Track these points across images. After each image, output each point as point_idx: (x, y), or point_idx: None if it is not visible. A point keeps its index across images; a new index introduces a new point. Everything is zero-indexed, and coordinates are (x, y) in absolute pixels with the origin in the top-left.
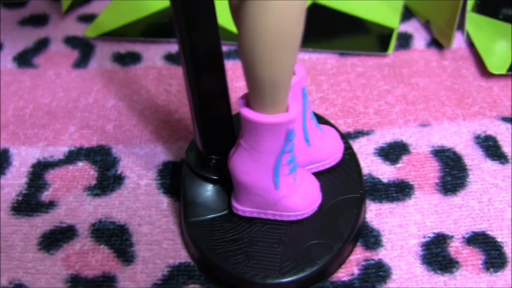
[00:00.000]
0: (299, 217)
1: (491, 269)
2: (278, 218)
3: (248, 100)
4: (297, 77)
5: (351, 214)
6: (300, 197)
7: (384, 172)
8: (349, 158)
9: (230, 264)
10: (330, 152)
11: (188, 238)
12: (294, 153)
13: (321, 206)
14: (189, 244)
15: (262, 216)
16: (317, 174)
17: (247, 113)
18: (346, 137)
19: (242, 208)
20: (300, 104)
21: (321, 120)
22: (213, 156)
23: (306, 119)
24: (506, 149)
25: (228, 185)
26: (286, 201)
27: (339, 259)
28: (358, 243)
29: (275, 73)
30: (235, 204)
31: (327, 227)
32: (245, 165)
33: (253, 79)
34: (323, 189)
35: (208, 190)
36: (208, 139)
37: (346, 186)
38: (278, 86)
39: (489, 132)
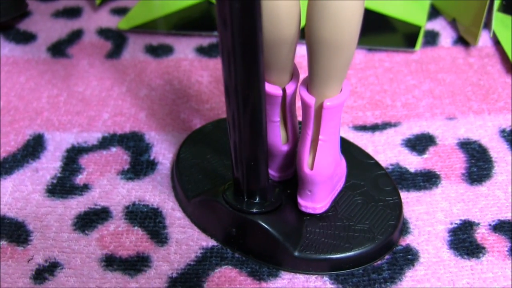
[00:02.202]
0: (346, 173)
1: None
2: (339, 187)
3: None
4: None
5: (353, 145)
6: (342, 157)
7: (411, 162)
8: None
9: (368, 245)
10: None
11: (308, 261)
12: None
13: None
14: (312, 266)
15: (333, 196)
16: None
17: (332, 103)
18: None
19: (323, 204)
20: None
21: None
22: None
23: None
24: None
25: (285, 204)
26: (343, 166)
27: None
28: None
29: (353, 51)
30: (316, 206)
31: (357, 163)
32: (329, 157)
33: (337, 63)
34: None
35: (284, 217)
36: (265, 170)
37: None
38: (351, 62)
39: None
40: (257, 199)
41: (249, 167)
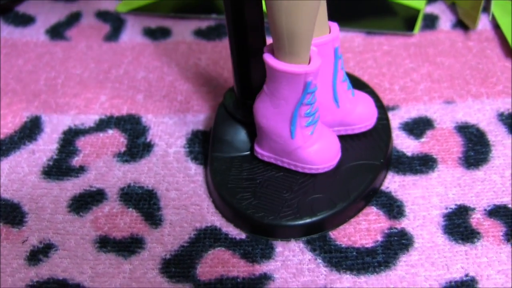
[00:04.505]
0: (313, 171)
1: None
2: (293, 168)
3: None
4: (330, 36)
5: (365, 179)
6: (316, 151)
7: (409, 146)
8: (382, 128)
9: (236, 199)
10: (361, 117)
11: (208, 169)
12: (316, 108)
13: (338, 166)
14: (208, 175)
15: (279, 163)
16: (344, 137)
17: (267, 58)
18: (384, 108)
19: (262, 152)
20: (330, 63)
21: (359, 84)
22: (248, 101)
23: (337, 79)
24: None
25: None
26: (301, 152)
27: (340, 218)
28: (382, 212)
29: (292, 25)
30: (256, 147)
31: (337, 185)
32: (266, 109)
33: (273, 28)
34: (346, 151)
35: (237, 131)
36: (243, 83)
37: (369, 153)
38: (295, 38)
39: None
40: (237, 105)
41: (236, 71)
